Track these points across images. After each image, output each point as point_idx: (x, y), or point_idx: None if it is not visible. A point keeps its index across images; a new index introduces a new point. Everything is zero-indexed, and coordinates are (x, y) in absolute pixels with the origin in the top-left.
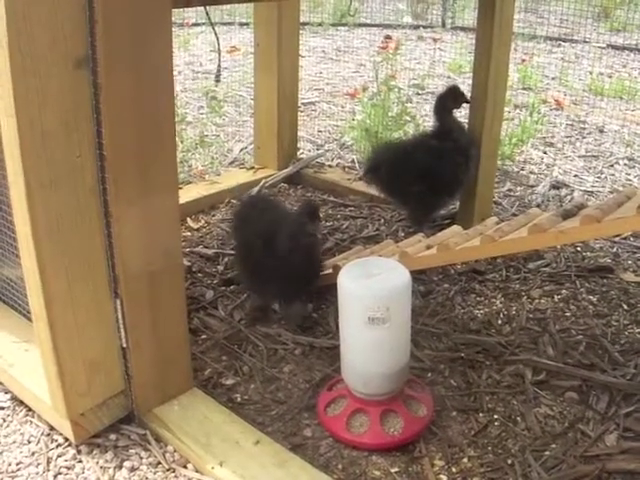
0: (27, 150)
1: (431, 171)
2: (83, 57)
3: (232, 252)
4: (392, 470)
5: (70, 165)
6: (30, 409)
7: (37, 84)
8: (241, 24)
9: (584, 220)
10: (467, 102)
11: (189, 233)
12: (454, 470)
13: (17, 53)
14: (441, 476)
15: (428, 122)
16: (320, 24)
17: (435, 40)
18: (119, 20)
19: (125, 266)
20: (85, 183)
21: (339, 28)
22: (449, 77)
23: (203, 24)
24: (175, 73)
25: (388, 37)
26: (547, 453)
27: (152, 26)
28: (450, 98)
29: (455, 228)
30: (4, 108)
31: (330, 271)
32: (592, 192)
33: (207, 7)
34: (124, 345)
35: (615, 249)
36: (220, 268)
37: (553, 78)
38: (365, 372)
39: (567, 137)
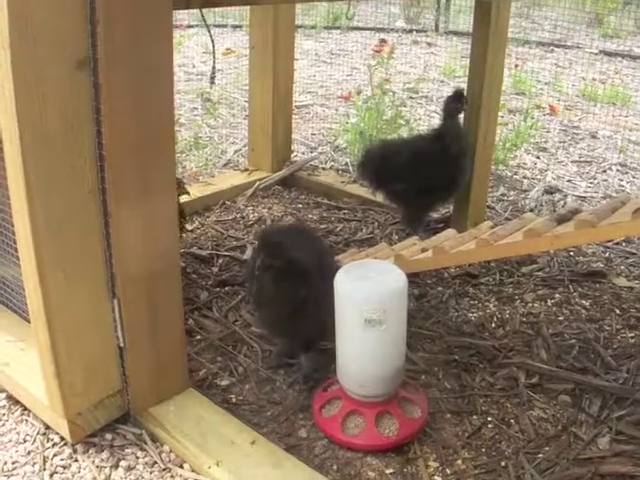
0: (27, 150)
1: (413, 171)
2: (84, 58)
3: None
4: (387, 471)
5: (70, 165)
6: (26, 408)
7: (39, 85)
8: (234, 26)
9: (579, 225)
10: (462, 110)
11: (183, 234)
12: (448, 471)
13: (19, 54)
14: (435, 477)
15: (422, 126)
16: (313, 27)
17: (430, 45)
18: (120, 21)
19: (123, 266)
20: (84, 183)
21: (332, 31)
22: (442, 81)
23: (196, 26)
24: None
25: (383, 40)
26: (541, 455)
27: (153, 27)
28: (453, 101)
29: (450, 232)
30: (5, 109)
31: None
32: (585, 197)
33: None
34: (121, 345)
35: (608, 254)
36: (215, 269)
37: (546, 83)
38: (361, 374)
39: (560, 142)
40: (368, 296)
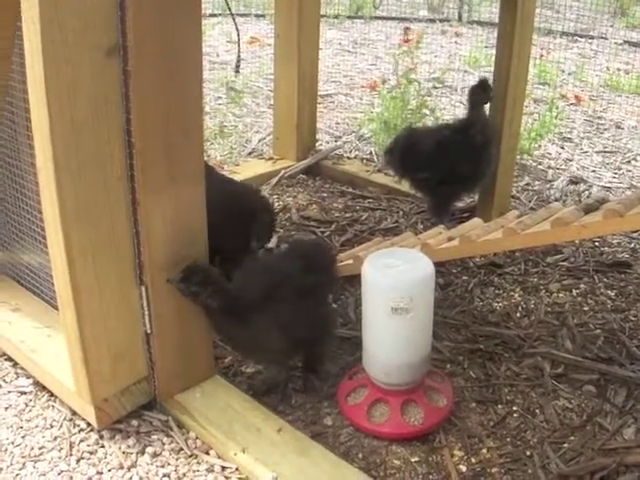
0: (57, 136)
1: (438, 160)
2: (114, 45)
3: None
4: (412, 460)
5: (98, 152)
6: (52, 394)
7: (68, 71)
8: (257, 16)
9: (607, 214)
10: (490, 98)
11: None
12: (473, 460)
13: (49, 41)
14: (460, 466)
15: (447, 115)
16: (336, 16)
17: (458, 34)
18: (150, 8)
19: (151, 254)
20: (113, 170)
21: (355, 21)
22: (466, 71)
23: (219, 15)
24: None
25: (408, 28)
26: (566, 445)
27: (182, 15)
28: (478, 91)
29: (476, 221)
30: (35, 94)
31: (350, 262)
32: (610, 188)
33: None
34: (148, 332)
35: (633, 245)
36: None
37: (570, 73)
38: (387, 362)
39: (585, 133)
40: (395, 284)
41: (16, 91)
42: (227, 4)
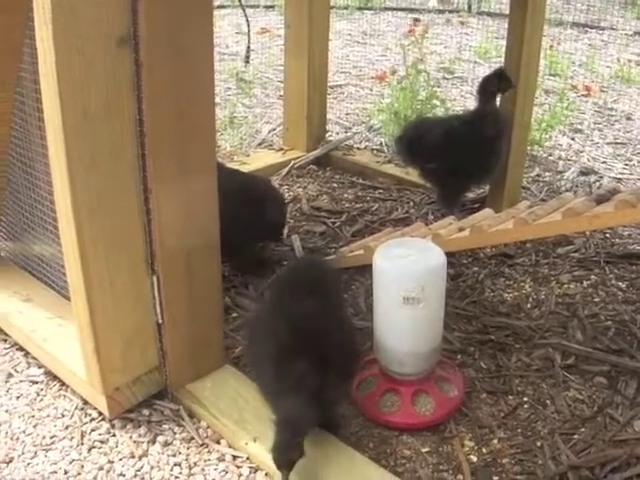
0: (69, 127)
1: (446, 151)
2: (126, 35)
3: None
4: (423, 450)
5: (111, 142)
6: (64, 383)
7: (80, 62)
8: (266, 7)
9: (619, 205)
10: (512, 87)
11: None
12: (484, 451)
13: (61, 30)
14: (471, 457)
15: (457, 106)
16: (346, 7)
17: (462, 23)
18: None
19: (162, 243)
20: (125, 160)
21: (365, 12)
22: (476, 62)
23: (228, 6)
24: None
25: (417, 20)
26: (576, 436)
27: (194, 4)
28: (494, 82)
29: (487, 211)
30: (47, 85)
31: (361, 252)
32: (620, 179)
33: None
34: (159, 321)
35: None
36: None
37: (580, 65)
38: (399, 352)
39: (595, 124)
40: (407, 274)
41: (27, 82)
42: None
